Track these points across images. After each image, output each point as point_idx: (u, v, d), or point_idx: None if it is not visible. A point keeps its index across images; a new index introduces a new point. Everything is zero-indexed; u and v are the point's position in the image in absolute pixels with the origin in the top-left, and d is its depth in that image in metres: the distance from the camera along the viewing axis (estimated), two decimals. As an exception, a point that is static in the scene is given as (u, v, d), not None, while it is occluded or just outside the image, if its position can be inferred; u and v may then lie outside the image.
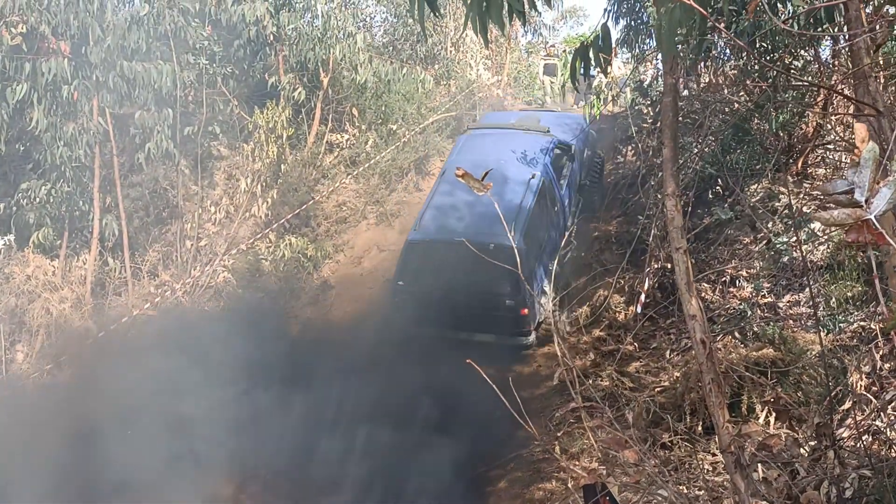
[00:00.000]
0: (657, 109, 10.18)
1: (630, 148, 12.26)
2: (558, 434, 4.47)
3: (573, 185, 11.00)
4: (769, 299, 7.31)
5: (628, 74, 12.26)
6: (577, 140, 11.33)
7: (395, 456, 6.61)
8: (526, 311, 8.60)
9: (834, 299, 6.48)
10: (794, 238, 7.36)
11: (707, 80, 10.40)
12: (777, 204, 8.28)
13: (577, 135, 11.38)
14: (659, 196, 8.56)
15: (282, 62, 12.52)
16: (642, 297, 8.30)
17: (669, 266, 8.16)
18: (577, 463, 4.95)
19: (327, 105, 13.17)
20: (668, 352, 7.56)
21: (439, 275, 8.59)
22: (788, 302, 7.18)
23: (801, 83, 7.71)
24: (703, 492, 4.25)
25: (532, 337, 8.78)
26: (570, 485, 5.01)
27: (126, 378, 7.08)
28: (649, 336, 8.05)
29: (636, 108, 11.15)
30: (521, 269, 7.70)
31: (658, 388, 6.70)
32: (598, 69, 3.78)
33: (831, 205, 1.75)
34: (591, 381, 5.99)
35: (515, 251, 7.56)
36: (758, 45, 7.52)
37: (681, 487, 4.38)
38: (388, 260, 11.72)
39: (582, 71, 3.79)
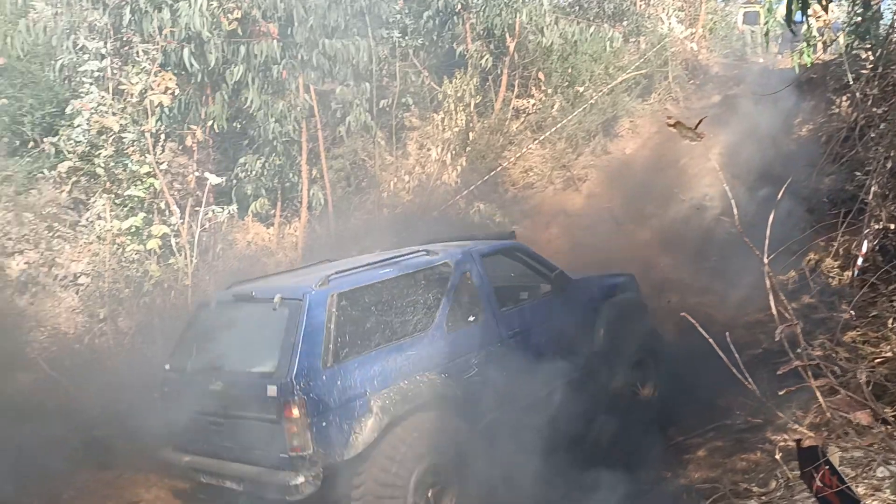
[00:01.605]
0: (878, 53, 9.16)
1: (845, 97, 11.15)
2: (779, 394, 4.14)
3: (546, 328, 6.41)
4: None
5: (844, 17, 11.11)
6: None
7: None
8: (296, 411, 4.65)
9: None
10: None
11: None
12: None
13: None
14: (880, 149, 7.74)
15: (469, 30, 12.70)
16: (860, 260, 7.58)
17: (892, 227, 7.38)
18: (790, 432, 4.67)
19: (513, 70, 13.20)
20: (890, 320, 6.86)
21: (212, 354, 5.53)
22: None
23: None
24: (938, 470, 3.85)
25: (303, 479, 4.63)
26: (777, 456, 4.74)
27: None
28: (868, 303, 7.35)
29: (852, 53, 10.09)
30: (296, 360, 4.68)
31: (879, 360, 6.13)
32: (812, 14, 3.47)
33: None
34: (801, 349, 5.60)
35: (306, 301, 4.86)
36: None
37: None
38: (575, 225, 11.64)
39: (799, 15, 3.49)
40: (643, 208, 11.03)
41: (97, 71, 8.16)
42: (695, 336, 4.08)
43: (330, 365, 4.87)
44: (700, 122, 2.46)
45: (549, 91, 13.33)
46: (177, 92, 8.48)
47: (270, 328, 5.05)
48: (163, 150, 8.68)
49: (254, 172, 10.36)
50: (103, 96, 8.02)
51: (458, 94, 11.93)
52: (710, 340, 3.00)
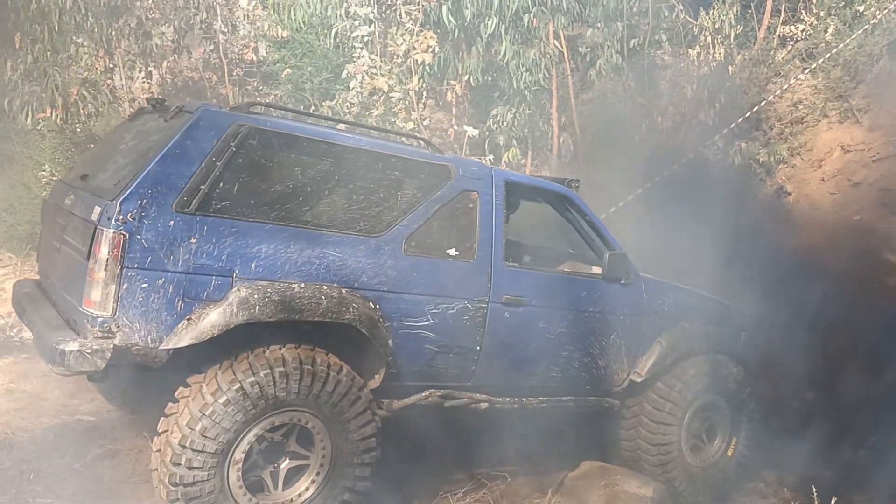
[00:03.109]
0: None
1: None
2: None
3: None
4: None
5: None
6: None
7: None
8: (104, 249, 3.34)
9: None
10: None
11: None
12: None
13: None
14: None
15: (728, -46, 11.74)
16: None
17: None
18: None
19: (780, -7, 12.01)
20: None
21: (89, 168, 4.35)
22: None
23: None
24: None
25: (78, 347, 3.30)
26: None
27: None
28: None
29: None
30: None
31: None
32: None
33: None
34: None
35: None
36: None
37: None
38: (854, 162, 10.48)
39: None
40: (944, 140, 9.64)
41: (366, 36, 8.77)
42: None
43: (189, 210, 3.47)
44: None
45: (822, 14, 11.92)
46: (436, 49, 8.84)
47: (151, 144, 3.76)
48: (424, 107, 9.16)
49: (505, 123, 10.57)
50: (373, 59, 8.61)
51: (716, 26, 11.19)
52: None
